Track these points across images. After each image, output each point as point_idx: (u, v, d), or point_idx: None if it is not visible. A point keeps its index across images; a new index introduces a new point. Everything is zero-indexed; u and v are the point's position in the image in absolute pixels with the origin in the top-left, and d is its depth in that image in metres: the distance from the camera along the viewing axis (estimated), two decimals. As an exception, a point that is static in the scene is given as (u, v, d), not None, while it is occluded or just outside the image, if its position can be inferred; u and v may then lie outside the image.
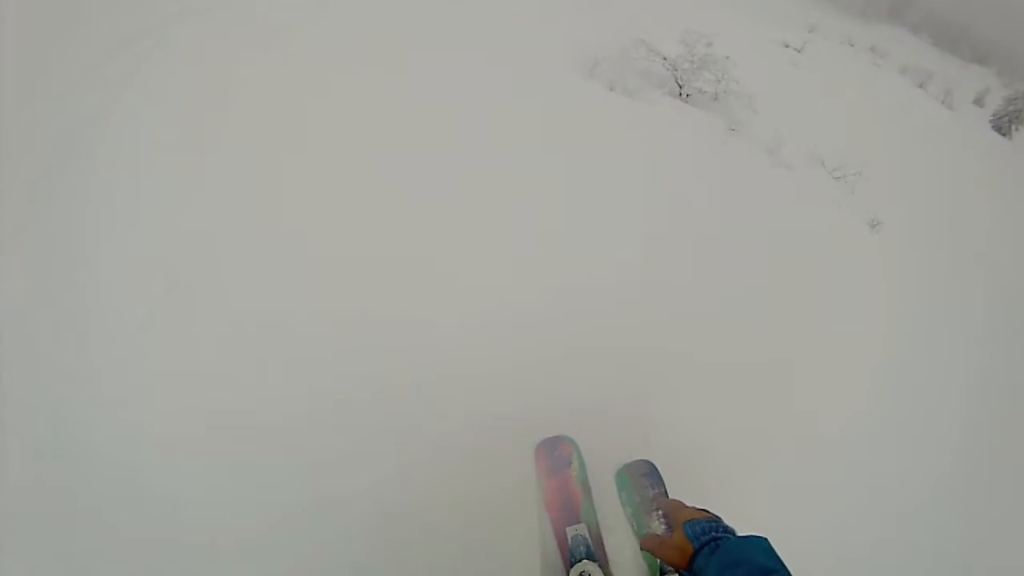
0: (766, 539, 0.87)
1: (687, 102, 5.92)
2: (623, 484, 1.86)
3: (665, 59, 6.06)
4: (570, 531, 1.70)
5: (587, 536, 1.70)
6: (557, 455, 1.82)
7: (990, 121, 19.44)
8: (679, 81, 6.05)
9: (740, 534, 0.93)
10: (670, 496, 1.86)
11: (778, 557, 0.84)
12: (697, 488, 1.94)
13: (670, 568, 1.71)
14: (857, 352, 3.12)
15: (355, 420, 1.89)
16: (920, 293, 3.90)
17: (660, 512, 1.71)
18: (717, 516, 0.95)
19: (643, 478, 1.86)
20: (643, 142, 4.18)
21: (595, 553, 1.69)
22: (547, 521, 1.74)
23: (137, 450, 1.76)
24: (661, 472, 1.90)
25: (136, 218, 2.52)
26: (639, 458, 1.92)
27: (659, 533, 1.37)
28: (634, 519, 1.82)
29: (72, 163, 2.71)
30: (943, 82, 19.46)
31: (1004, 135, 19.13)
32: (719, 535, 0.89)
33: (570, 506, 1.75)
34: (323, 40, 4.22)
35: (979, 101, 20.06)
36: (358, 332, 2.18)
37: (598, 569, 1.64)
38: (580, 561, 1.64)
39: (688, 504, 1.00)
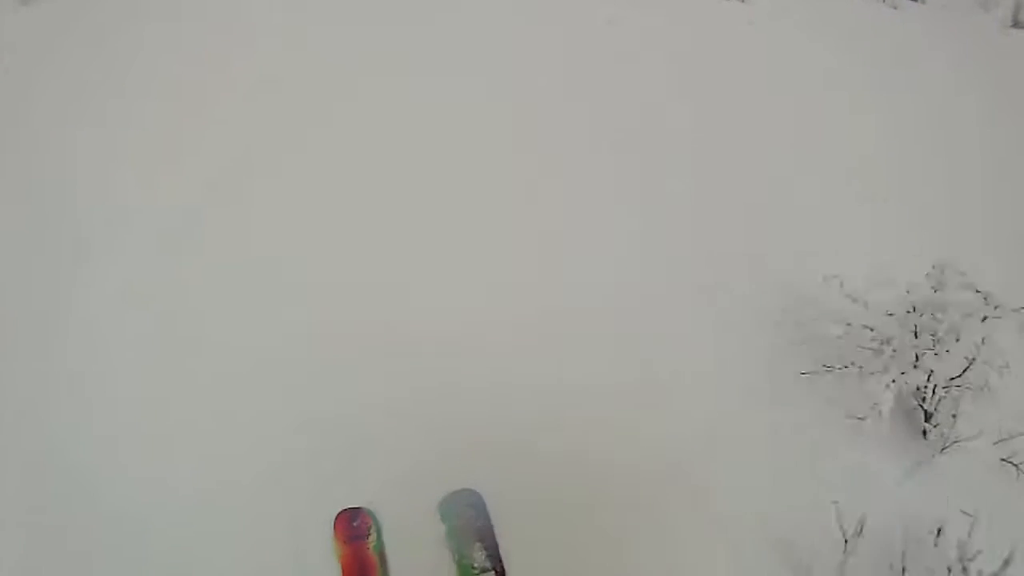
0: None
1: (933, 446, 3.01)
2: (447, 514, 1.96)
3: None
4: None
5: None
6: (356, 525, 1.94)
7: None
8: (928, 410, 3.05)
9: None
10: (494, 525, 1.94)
11: None
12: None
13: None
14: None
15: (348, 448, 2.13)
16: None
17: (481, 545, 1.87)
18: None
19: (467, 508, 1.96)
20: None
21: None
22: None
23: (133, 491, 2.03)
24: (487, 502, 2.01)
25: (122, 249, 2.77)
26: (464, 487, 2.03)
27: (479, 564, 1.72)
28: (456, 550, 1.92)
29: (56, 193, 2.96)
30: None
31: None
32: None
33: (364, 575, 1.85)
34: (314, 60, 4.25)
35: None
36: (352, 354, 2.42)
37: None
38: None
39: None
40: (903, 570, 2.14)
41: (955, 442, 2.83)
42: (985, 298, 2.82)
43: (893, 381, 2.93)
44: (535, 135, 4.06)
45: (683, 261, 3.34)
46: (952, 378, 2.90)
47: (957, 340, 2.84)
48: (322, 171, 3.41)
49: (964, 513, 2.26)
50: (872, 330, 2.93)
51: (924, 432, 2.94)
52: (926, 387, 2.94)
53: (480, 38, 5.37)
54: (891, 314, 2.93)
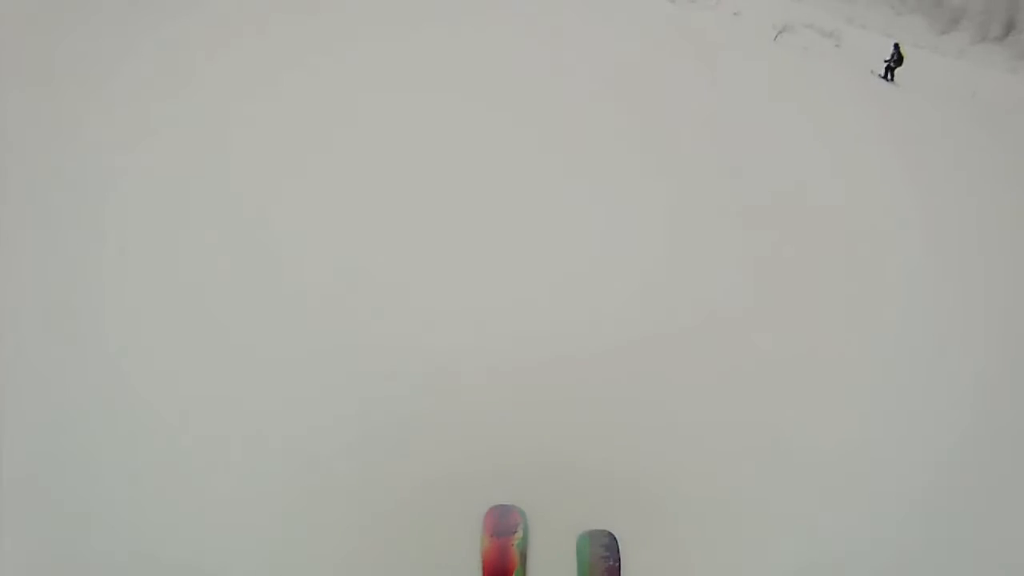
0: None
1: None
2: (582, 550, 1.91)
3: None
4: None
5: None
6: (505, 522, 1.92)
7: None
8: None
9: None
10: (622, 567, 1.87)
11: None
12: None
13: None
14: (857, 357, 3.13)
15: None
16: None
17: None
18: None
19: (601, 548, 1.90)
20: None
21: None
22: None
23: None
24: (620, 543, 1.91)
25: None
26: (602, 528, 1.96)
27: None
28: None
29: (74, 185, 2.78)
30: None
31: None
32: None
33: (503, 572, 1.78)
34: (339, 72, 4.15)
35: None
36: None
37: None
38: None
39: None
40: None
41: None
42: None
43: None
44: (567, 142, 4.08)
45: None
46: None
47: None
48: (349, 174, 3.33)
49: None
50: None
51: None
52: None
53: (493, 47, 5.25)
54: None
